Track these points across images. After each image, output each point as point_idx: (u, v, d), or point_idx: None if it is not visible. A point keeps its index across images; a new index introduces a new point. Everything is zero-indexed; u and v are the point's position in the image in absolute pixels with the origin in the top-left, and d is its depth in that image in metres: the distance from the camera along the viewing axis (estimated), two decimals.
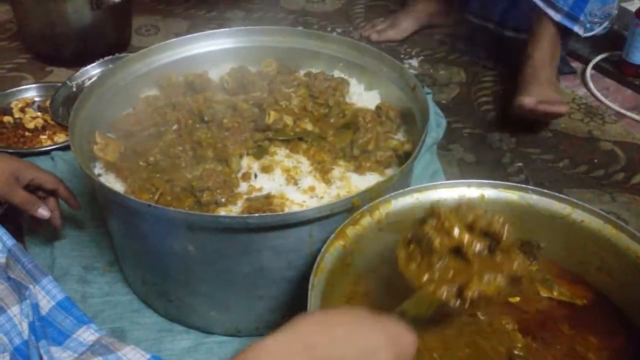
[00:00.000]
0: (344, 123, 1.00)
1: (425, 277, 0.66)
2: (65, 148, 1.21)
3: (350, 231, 0.77)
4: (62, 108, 1.32)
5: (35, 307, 0.83)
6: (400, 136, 0.99)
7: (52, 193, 0.98)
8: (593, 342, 0.71)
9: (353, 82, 1.08)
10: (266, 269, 0.82)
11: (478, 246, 0.66)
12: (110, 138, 0.96)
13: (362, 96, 1.06)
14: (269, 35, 1.11)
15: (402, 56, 1.61)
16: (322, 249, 0.74)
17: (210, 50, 1.10)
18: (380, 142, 0.94)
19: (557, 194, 0.79)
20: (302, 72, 1.12)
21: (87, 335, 0.82)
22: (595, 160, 1.25)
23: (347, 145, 0.95)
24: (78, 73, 1.40)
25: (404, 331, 0.53)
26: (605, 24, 1.60)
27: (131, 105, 1.03)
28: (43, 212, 0.94)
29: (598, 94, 1.43)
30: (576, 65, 1.55)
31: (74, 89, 1.36)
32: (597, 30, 1.61)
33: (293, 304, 0.86)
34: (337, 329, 0.50)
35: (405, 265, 0.69)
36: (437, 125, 1.30)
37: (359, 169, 0.91)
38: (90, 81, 1.23)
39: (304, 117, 0.99)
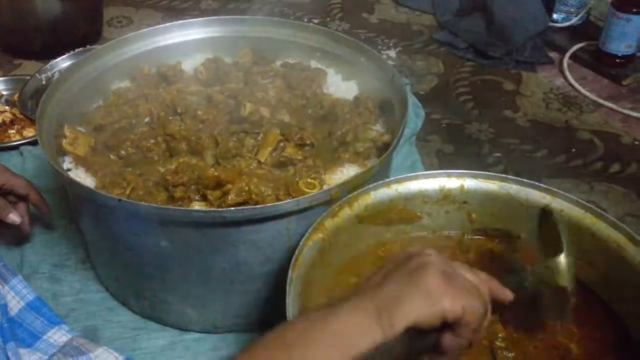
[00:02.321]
0: (322, 114, 0.98)
1: None
2: (35, 143, 1.17)
3: (329, 224, 0.76)
4: (31, 102, 1.28)
5: (4, 307, 0.80)
6: (378, 127, 0.98)
7: (23, 198, 0.95)
8: (575, 332, 0.71)
9: (330, 72, 1.06)
10: (243, 263, 0.80)
11: None
12: (79, 131, 0.93)
13: (340, 87, 1.05)
14: (244, 25, 1.09)
15: (379, 47, 1.59)
16: (300, 243, 0.72)
17: (183, 41, 1.07)
18: (359, 133, 0.93)
19: (536, 183, 0.78)
20: (278, 63, 1.09)
21: (59, 336, 0.80)
22: (574, 150, 1.25)
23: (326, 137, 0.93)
24: (47, 66, 1.36)
25: None
26: (582, 13, 1.61)
27: (102, 98, 1.00)
28: (14, 217, 0.91)
29: (575, 84, 1.44)
30: (553, 55, 1.55)
31: (44, 82, 1.32)
32: (574, 20, 1.62)
33: (271, 299, 0.84)
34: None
35: None
36: (415, 116, 1.28)
37: (338, 161, 0.90)
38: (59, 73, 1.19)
39: (281, 109, 0.97)
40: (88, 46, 1.41)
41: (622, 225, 0.72)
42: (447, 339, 0.52)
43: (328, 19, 1.72)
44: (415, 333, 0.51)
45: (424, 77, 1.49)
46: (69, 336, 0.78)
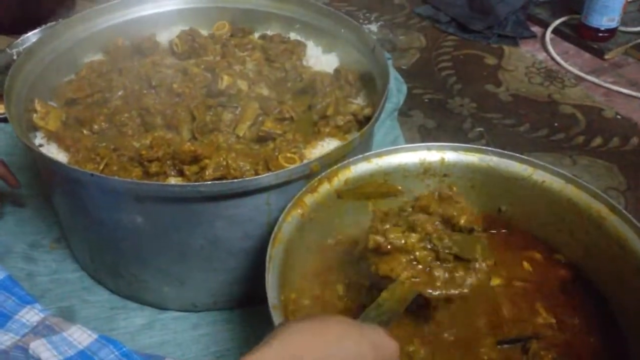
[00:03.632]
0: (302, 87, 0.96)
1: (404, 274, 0.64)
2: (6, 119, 1.14)
3: (309, 199, 0.74)
4: (1, 77, 1.24)
5: None
6: (359, 100, 0.96)
7: None
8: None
9: (310, 44, 1.04)
10: (221, 240, 0.78)
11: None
12: (51, 106, 0.90)
13: (320, 59, 1.02)
14: None
15: (361, 21, 1.57)
16: (280, 219, 0.70)
17: (158, 12, 1.05)
18: (340, 106, 0.91)
19: (517, 155, 0.78)
20: (256, 35, 1.07)
21: (31, 315, 0.78)
22: (556, 124, 1.24)
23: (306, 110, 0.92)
24: (19, 40, 1.31)
25: (386, 339, 0.54)
26: None
27: (74, 71, 0.97)
28: None
29: (558, 58, 1.43)
30: (536, 29, 1.54)
31: (15, 57, 1.28)
32: None
33: (251, 276, 0.83)
34: (323, 338, 0.50)
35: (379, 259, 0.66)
36: (397, 90, 1.27)
37: (318, 135, 0.88)
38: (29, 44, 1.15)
39: (260, 82, 0.94)
40: (60, 20, 1.36)
41: (604, 195, 0.71)
42: None
43: None
44: None
45: (406, 52, 1.47)
46: (42, 315, 0.76)
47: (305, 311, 0.71)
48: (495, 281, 0.74)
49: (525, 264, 0.76)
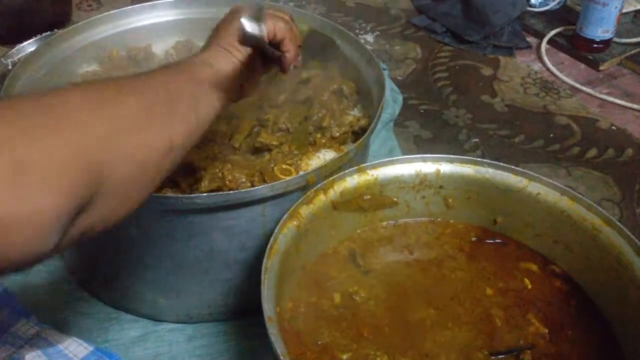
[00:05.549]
0: (298, 99, 0.96)
1: None
2: None
3: (304, 210, 0.74)
4: None
5: None
6: (356, 112, 0.96)
7: None
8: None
9: None
10: (217, 251, 0.78)
11: None
12: None
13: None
14: (216, 6, 1.06)
15: (357, 31, 1.57)
16: (275, 230, 0.70)
17: (154, 23, 1.04)
18: (336, 118, 0.91)
19: (512, 167, 0.78)
20: None
21: (27, 328, 0.78)
22: (551, 135, 1.24)
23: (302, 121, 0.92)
24: (13, 50, 1.31)
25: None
26: None
27: (70, 82, 0.97)
28: None
29: (553, 69, 1.43)
30: (531, 40, 1.55)
31: (10, 67, 1.27)
32: (552, 4, 1.61)
33: (247, 288, 0.83)
34: None
35: None
36: (393, 101, 1.27)
37: (314, 146, 0.88)
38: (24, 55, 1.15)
39: (255, 93, 0.94)
40: (56, 30, 1.36)
41: (598, 207, 0.71)
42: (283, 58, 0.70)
43: (304, 2, 1.70)
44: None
45: (402, 62, 1.47)
46: (37, 328, 0.76)
47: (301, 318, 0.71)
48: (489, 291, 0.74)
49: (521, 276, 0.76)
